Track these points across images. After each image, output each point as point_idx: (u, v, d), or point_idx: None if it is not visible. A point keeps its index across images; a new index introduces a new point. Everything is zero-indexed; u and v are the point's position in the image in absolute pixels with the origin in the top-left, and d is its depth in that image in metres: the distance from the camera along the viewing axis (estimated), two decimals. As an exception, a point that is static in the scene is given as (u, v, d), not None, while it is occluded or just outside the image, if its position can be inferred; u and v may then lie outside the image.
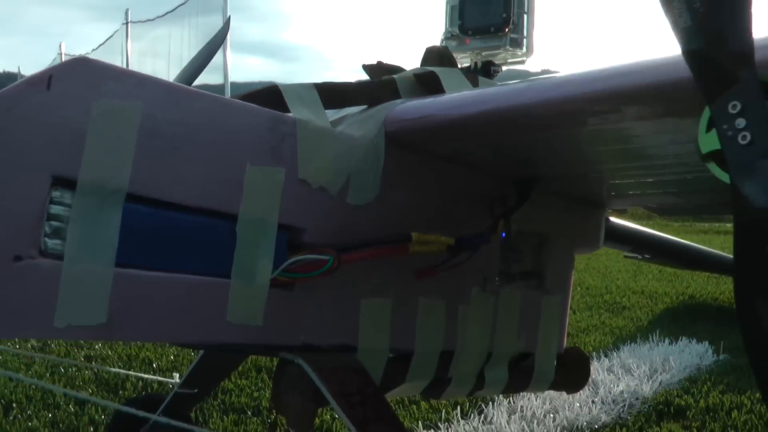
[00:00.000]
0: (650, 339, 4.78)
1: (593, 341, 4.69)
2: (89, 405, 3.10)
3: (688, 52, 1.05)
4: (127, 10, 21.55)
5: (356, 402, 1.57)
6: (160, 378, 1.63)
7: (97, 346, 4.12)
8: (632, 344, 4.66)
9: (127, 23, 21.08)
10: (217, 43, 2.25)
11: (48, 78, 1.21)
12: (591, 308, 6.09)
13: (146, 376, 1.59)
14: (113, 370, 1.56)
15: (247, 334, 1.49)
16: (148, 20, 20.88)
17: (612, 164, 1.82)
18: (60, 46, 26.83)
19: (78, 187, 1.24)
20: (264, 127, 1.48)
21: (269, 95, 1.65)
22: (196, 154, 1.38)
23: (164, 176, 1.35)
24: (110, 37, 22.42)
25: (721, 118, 1.03)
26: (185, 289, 1.39)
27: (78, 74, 1.25)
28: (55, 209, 1.23)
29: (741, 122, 1.01)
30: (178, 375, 2.48)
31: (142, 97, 1.31)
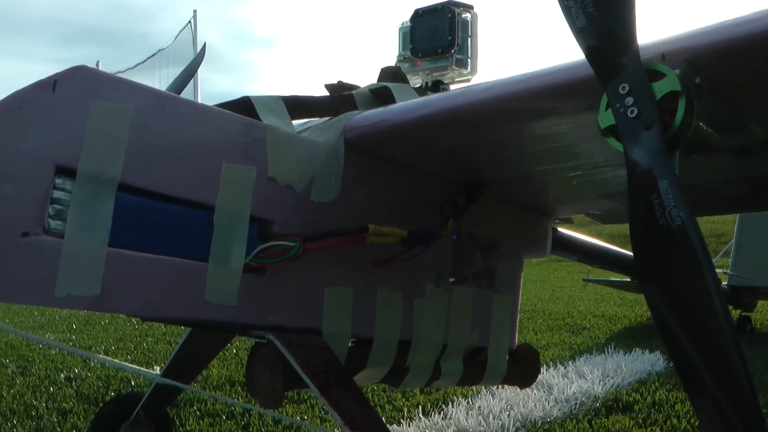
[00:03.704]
0: (605, 351, 4.99)
1: (552, 355, 4.89)
2: (72, 414, 3.26)
3: (585, 47, 1.29)
4: (97, 62, 21.64)
5: (321, 371, 1.75)
6: (141, 369, 1.78)
7: (76, 369, 4.27)
8: (588, 356, 4.87)
9: (98, 75, 21.14)
10: (196, 63, 2.47)
11: (53, 82, 1.42)
12: (552, 329, 6.27)
13: (128, 365, 1.74)
14: (101, 357, 1.70)
15: (223, 313, 1.68)
16: (119, 72, 20.98)
17: (548, 164, 2.01)
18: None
19: (78, 175, 1.45)
20: (238, 131, 1.69)
21: (243, 104, 1.87)
22: (179, 151, 1.59)
23: (151, 169, 1.55)
24: (81, 90, 22.40)
25: (614, 98, 1.28)
26: (169, 270, 1.58)
27: (78, 79, 1.46)
28: (58, 194, 1.43)
29: (629, 100, 1.26)
30: (158, 368, 2.62)
31: (133, 101, 1.52)
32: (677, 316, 1.20)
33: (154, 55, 18.86)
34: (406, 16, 2.61)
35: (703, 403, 1.18)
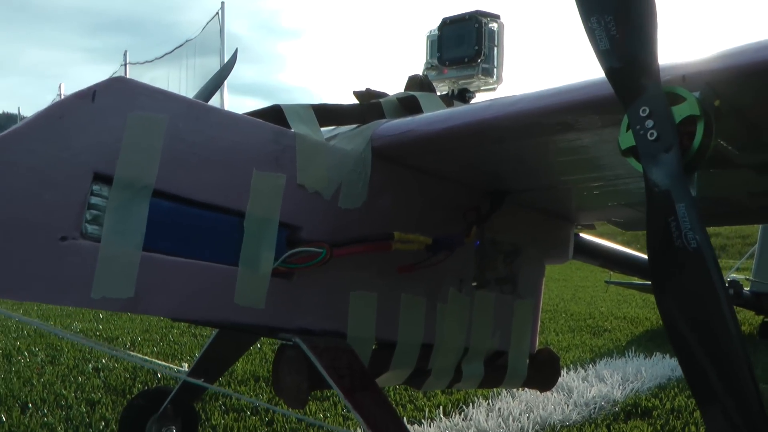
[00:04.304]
0: (626, 355, 5.01)
1: (572, 357, 4.91)
2: (100, 404, 3.34)
3: (607, 69, 1.33)
4: (125, 52, 21.84)
5: (345, 374, 1.80)
6: (169, 364, 1.83)
7: (103, 360, 4.36)
8: (608, 359, 4.89)
9: (125, 65, 21.35)
10: (227, 69, 2.53)
11: (93, 93, 1.48)
12: (573, 331, 6.29)
13: (156, 361, 1.80)
14: (132, 354, 1.75)
15: (252, 315, 1.73)
16: (147, 62, 21.16)
17: (571, 175, 2.04)
18: (60, 87, 27.07)
19: (114, 182, 1.51)
20: (268, 138, 1.74)
21: (273, 112, 1.92)
22: (212, 159, 1.64)
23: (184, 176, 1.61)
24: (109, 78, 22.80)
25: (635, 120, 1.31)
26: (200, 273, 1.64)
27: (117, 90, 1.52)
28: (95, 200, 1.49)
29: (649, 123, 1.30)
30: (186, 365, 2.68)
31: (168, 111, 1.58)
32: (690, 333, 1.23)
33: (181, 45, 19.08)
34: (434, 21, 2.65)
35: (711, 411, 1.22)
